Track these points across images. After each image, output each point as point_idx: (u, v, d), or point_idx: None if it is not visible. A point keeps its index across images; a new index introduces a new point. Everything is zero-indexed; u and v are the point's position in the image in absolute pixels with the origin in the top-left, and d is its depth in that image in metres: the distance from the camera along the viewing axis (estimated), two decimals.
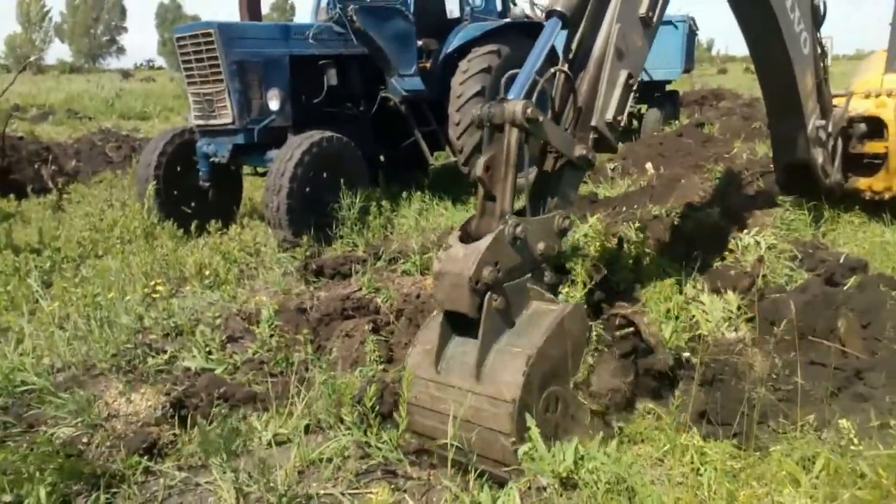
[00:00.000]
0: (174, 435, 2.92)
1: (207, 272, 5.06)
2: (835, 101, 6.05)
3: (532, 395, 2.66)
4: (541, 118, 2.95)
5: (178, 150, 6.89)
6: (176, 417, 3.00)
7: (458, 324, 2.87)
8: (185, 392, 3.22)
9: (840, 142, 5.93)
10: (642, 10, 3.40)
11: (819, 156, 5.69)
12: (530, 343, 2.74)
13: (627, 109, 3.37)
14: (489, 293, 2.74)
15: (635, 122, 13.52)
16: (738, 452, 2.72)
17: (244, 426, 2.97)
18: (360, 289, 4.82)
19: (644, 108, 13.21)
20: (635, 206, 6.52)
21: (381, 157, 8.38)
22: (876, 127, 5.89)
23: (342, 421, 2.86)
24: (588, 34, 3.39)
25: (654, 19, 3.48)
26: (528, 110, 2.85)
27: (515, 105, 2.86)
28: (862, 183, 6.02)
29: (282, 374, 3.52)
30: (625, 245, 4.76)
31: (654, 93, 13.18)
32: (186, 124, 7.08)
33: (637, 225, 5.06)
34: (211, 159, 6.62)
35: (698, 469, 2.62)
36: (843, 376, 3.27)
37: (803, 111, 5.45)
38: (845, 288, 4.11)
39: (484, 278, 2.72)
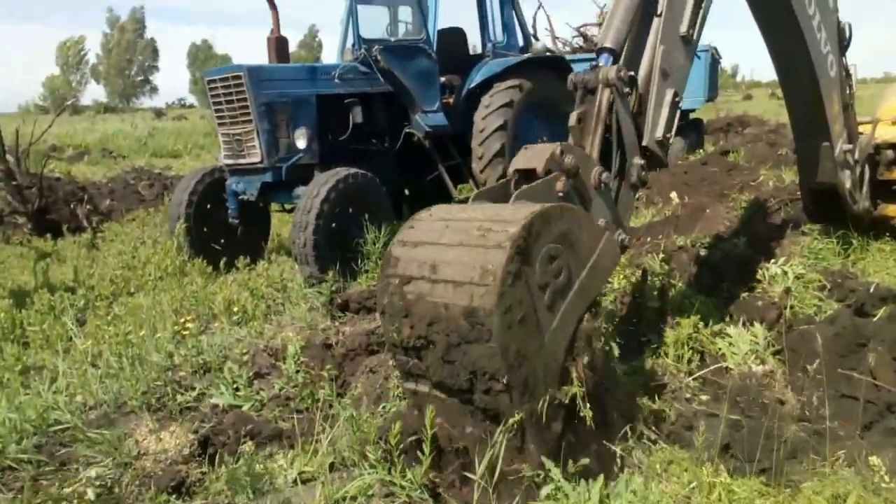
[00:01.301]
0: (202, 473, 2.97)
1: (236, 308, 5.16)
2: (861, 128, 6.01)
3: (555, 224, 2.68)
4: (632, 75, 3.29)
5: (209, 188, 7.08)
6: (204, 455, 3.05)
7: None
8: (212, 430, 3.28)
9: (867, 168, 5.88)
10: (683, 28, 3.56)
11: (847, 180, 5.66)
12: (579, 209, 2.97)
13: (675, 127, 3.56)
14: (558, 173, 3.00)
15: None
16: (766, 490, 2.67)
17: (270, 464, 3.00)
18: None
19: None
20: (660, 237, 6.50)
21: (406, 192, 8.51)
22: None
23: (366, 458, 2.87)
24: (630, 59, 3.54)
25: (695, 36, 3.65)
26: (622, 72, 3.18)
27: (609, 69, 3.19)
28: (891, 210, 5.93)
29: (307, 411, 3.56)
30: (649, 277, 4.75)
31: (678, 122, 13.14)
32: (217, 163, 7.27)
33: (662, 256, 5.05)
34: (240, 197, 6.79)
35: None
36: (875, 410, 3.21)
37: (830, 134, 5.46)
38: (875, 319, 4.03)
39: (567, 161, 3.00)
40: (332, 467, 2.97)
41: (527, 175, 3.07)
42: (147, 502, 2.74)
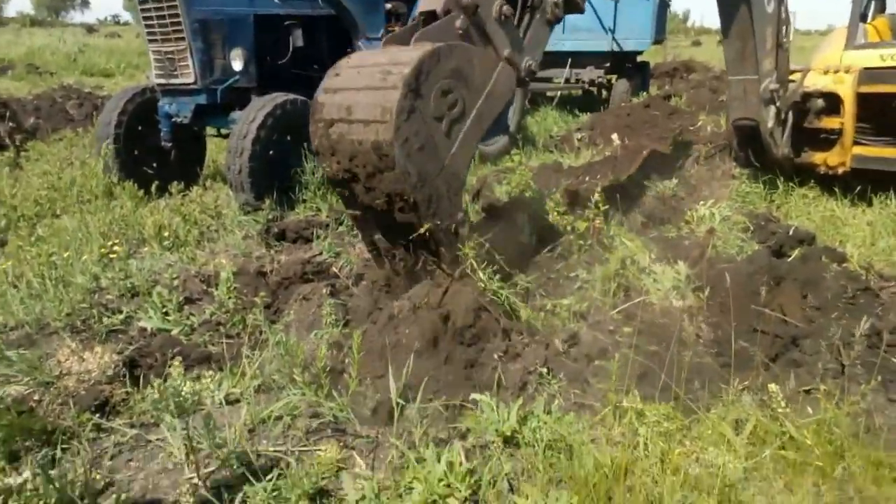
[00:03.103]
0: (126, 393, 2.95)
1: (167, 233, 5.04)
2: (793, 76, 6.18)
3: (445, 64, 3.08)
4: None
5: (139, 108, 6.75)
6: (128, 377, 3.03)
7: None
8: (138, 351, 3.25)
9: (791, 116, 6.08)
10: None
11: (769, 119, 5.87)
12: (469, 45, 3.28)
13: None
14: (457, 11, 3.26)
15: (604, 93, 13.57)
16: (674, 414, 2.83)
17: (197, 385, 3.00)
18: (321, 253, 4.85)
19: (613, 78, 13.23)
20: (598, 176, 6.62)
21: None
22: (832, 103, 6.02)
23: (294, 381, 2.91)
24: None
25: None
26: None
27: None
28: (817, 158, 6.17)
29: (238, 336, 3.56)
30: (584, 215, 4.85)
31: (624, 63, 13.20)
32: (148, 83, 6.93)
33: (598, 195, 5.14)
34: (173, 119, 6.52)
35: (636, 429, 2.74)
36: (781, 343, 3.41)
37: (759, 69, 5.65)
38: (790, 259, 4.25)
39: (464, 0, 3.24)
40: (259, 389, 3.01)
41: (431, 16, 3.32)
42: (69, 420, 2.72)
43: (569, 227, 4.72)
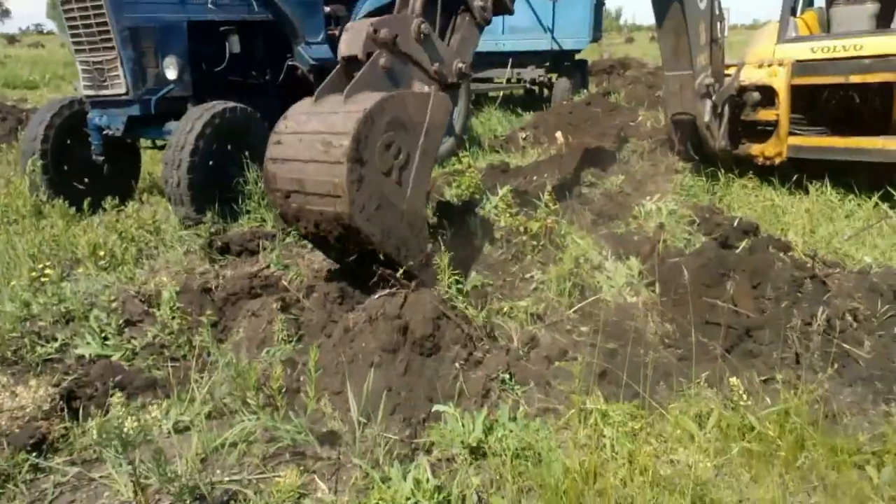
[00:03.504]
0: (65, 429, 2.76)
1: (102, 253, 4.77)
2: (727, 71, 6.34)
3: (381, 121, 3.18)
4: None
5: (68, 122, 6.42)
6: (66, 410, 2.83)
7: (351, 78, 3.38)
8: (76, 382, 3.05)
9: (728, 109, 6.24)
10: None
11: (705, 112, 6.02)
12: (398, 91, 3.40)
13: None
14: (380, 50, 3.36)
15: (546, 91, 13.70)
16: (638, 412, 2.82)
17: (143, 415, 2.83)
18: (268, 266, 4.69)
19: (554, 77, 13.38)
20: (546, 175, 6.63)
21: None
22: (767, 95, 6.19)
23: (247, 405, 2.77)
24: None
25: None
26: None
27: None
28: (755, 149, 6.34)
29: (184, 359, 3.39)
30: (535, 215, 4.83)
31: (563, 62, 13.36)
32: (76, 94, 6.60)
33: (547, 195, 5.14)
34: (104, 132, 6.21)
35: (602, 431, 2.71)
36: (735, 334, 3.45)
37: (693, 64, 5.79)
38: (737, 251, 4.32)
39: (382, 34, 3.33)
40: (210, 415, 2.85)
41: (353, 60, 3.43)
42: (1, 462, 2.51)
43: (521, 228, 4.69)
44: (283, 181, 3.40)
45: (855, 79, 5.74)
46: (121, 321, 3.72)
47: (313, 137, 3.21)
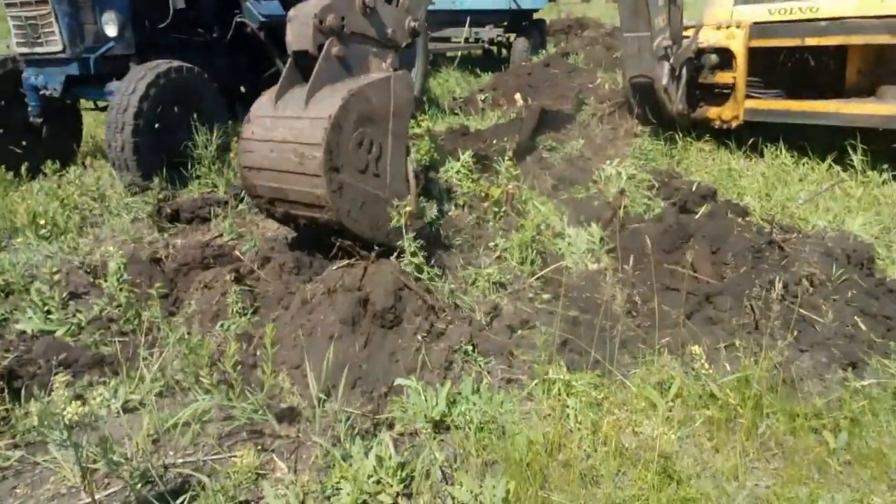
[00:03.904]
0: (6, 410, 2.61)
1: (43, 221, 4.53)
2: (686, 32, 6.29)
3: (348, 122, 3.18)
4: None
5: (2, 81, 6.03)
6: (6, 390, 2.68)
7: (304, 73, 3.35)
8: (18, 360, 2.88)
9: (685, 72, 6.21)
10: None
11: (663, 75, 5.98)
12: (357, 84, 3.28)
13: None
14: (332, 38, 3.27)
15: (504, 51, 13.51)
16: (601, 382, 2.81)
17: (90, 394, 2.70)
18: (221, 235, 4.53)
19: (512, 36, 13.18)
20: (506, 139, 6.53)
21: (242, 89, 7.80)
22: (725, 58, 6.17)
23: (200, 382, 2.66)
24: None
25: None
26: None
27: None
28: (712, 112, 6.34)
29: (133, 334, 3.24)
30: (496, 181, 4.76)
31: (521, 21, 13.15)
32: (10, 52, 6.19)
33: (508, 160, 5.06)
34: (41, 92, 5.87)
35: (565, 402, 2.70)
36: (696, 301, 3.47)
37: (652, 25, 5.72)
38: (697, 216, 4.33)
39: (328, 22, 3.22)
40: (162, 394, 2.74)
41: (304, 55, 3.35)
42: None
43: (482, 194, 4.62)
44: (264, 189, 3.44)
45: (811, 41, 5.75)
46: (64, 294, 3.54)
47: (284, 147, 3.22)
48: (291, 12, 3.39)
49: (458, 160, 4.94)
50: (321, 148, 3.06)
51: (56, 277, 3.62)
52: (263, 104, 3.45)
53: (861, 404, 2.58)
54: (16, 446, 2.49)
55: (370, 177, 3.38)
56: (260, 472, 2.30)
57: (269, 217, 3.69)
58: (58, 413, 2.07)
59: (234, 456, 2.35)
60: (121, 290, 3.50)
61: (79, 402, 1.97)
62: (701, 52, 6.26)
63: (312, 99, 3.23)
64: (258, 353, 2.92)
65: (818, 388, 2.77)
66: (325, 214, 3.23)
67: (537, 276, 3.77)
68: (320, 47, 3.29)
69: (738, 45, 6.05)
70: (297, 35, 3.34)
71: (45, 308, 3.41)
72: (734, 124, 6.25)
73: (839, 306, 3.23)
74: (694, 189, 4.90)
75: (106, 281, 3.60)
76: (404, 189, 3.57)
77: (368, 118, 3.32)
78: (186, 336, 2.85)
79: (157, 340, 3.09)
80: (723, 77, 6.26)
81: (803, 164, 5.71)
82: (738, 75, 6.10)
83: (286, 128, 3.25)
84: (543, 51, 13.29)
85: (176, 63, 5.51)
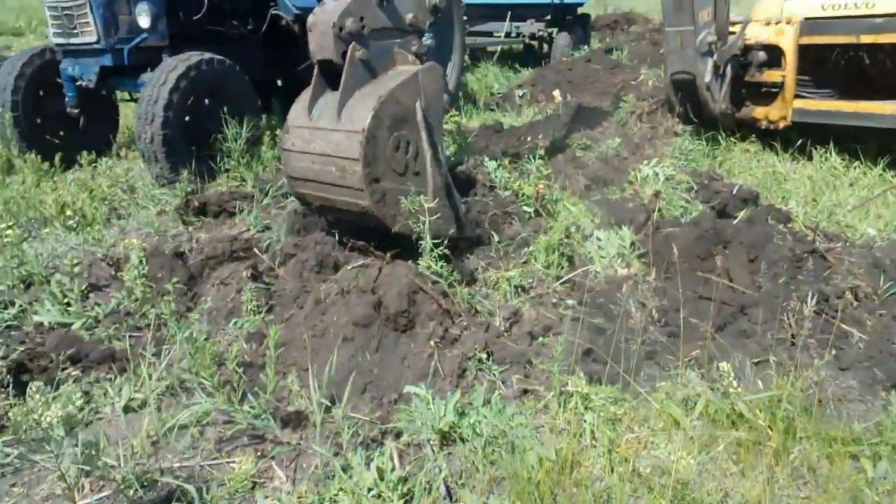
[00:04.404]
0: (9, 405, 2.59)
1: (71, 212, 4.56)
2: (733, 28, 6.02)
3: (382, 130, 3.19)
4: None
5: (40, 71, 6.12)
6: (12, 384, 2.65)
7: (332, 78, 3.36)
8: (28, 353, 2.87)
9: (730, 70, 5.93)
10: None
11: (706, 72, 5.72)
12: (385, 88, 3.24)
13: None
14: (353, 43, 3.23)
15: (545, 47, 13.25)
16: (621, 396, 2.66)
17: (96, 391, 2.67)
18: (248, 229, 4.48)
19: (554, 31, 12.92)
20: (541, 136, 6.37)
21: (279, 83, 7.79)
22: (774, 55, 5.89)
23: (203, 384, 2.59)
24: None
25: None
26: None
27: None
28: (759, 112, 6.06)
29: (149, 328, 3.21)
30: (527, 179, 4.61)
31: (564, 16, 12.88)
32: (49, 43, 6.28)
33: (540, 158, 4.90)
34: (77, 83, 5.94)
35: (582, 415, 2.55)
36: (729, 311, 3.27)
37: (696, 20, 5.47)
38: (735, 221, 4.11)
39: (347, 27, 3.19)
40: (166, 394, 2.68)
41: (329, 63, 3.34)
42: None
43: (512, 194, 4.47)
44: (313, 198, 3.57)
45: (866, 39, 5.43)
46: (85, 286, 3.54)
47: (324, 160, 3.29)
48: (310, 19, 3.36)
49: (489, 158, 4.80)
50: (359, 163, 3.11)
51: (77, 269, 3.62)
52: (298, 112, 3.47)
53: None
54: (19, 441, 2.46)
55: (410, 176, 3.38)
56: (256, 480, 2.22)
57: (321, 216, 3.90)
58: (36, 417, 2.03)
59: (233, 462, 2.28)
60: (139, 283, 3.47)
61: (59, 405, 1.91)
62: (748, 48, 5.98)
63: (344, 108, 3.25)
64: (266, 354, 2.84)
65: (857, 412, 2.57)
66: (375, 223, 3.32)
67: (562, 280, 3.62)
68: (343, 54, 3.27)
69: (787, 42, 5.75)
70: (319, 45, 3.32)
71: (65, 300, 3.41)
72: (781, 125, 5.96)
73: (886, 322, 3.00)
74: (735, 192, 4.67)
75: (127, 274, 3.57)
76: (442, 183, 3.53)
77: (401, 120, 3.30)
78: (194, 335, 2.78)
79: (168, 337, 3.05)
80: (771, 75, 5.96)
81: (854, 168, 5.40)
82: (787, 74, 5.80)
83: (323, 140, 3.29)
84: (587, 46, 13.01)
85: (207, 55, 5.49)
